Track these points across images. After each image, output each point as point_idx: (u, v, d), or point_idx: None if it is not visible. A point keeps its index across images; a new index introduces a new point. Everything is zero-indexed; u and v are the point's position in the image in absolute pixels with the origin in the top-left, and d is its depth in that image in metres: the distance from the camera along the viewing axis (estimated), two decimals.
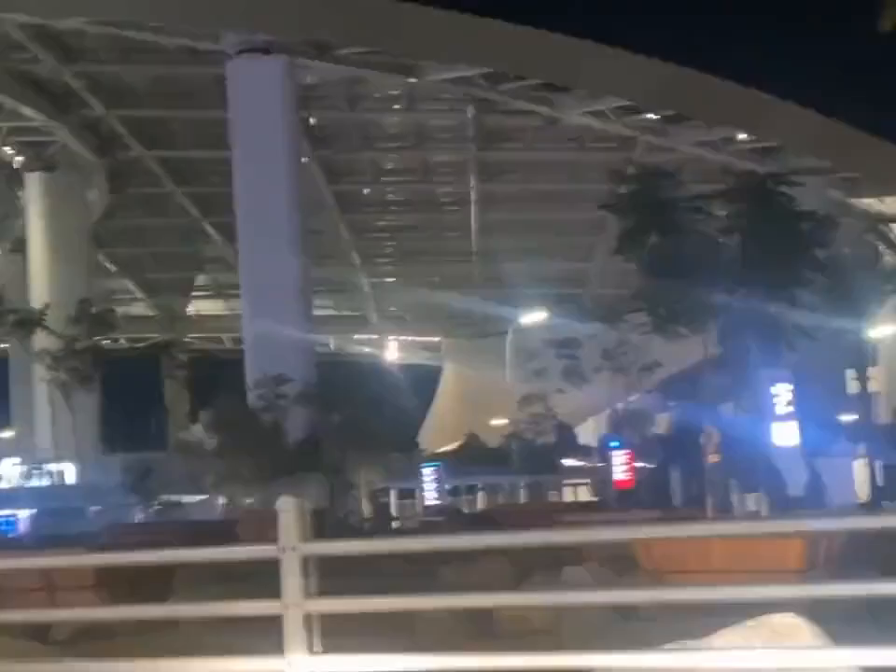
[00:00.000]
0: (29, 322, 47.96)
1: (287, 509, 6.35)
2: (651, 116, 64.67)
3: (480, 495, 60.76)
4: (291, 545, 6.23)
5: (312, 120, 68.50)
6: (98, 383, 34.86)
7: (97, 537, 29.65)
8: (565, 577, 16.22)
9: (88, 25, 54.58)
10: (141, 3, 53.08)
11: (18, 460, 53.90)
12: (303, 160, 65.32)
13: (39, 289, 67.90)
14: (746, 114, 60.63)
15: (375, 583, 7.47)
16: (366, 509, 46.81)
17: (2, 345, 73.50)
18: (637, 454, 49.89)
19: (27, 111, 62.83)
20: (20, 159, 69.54)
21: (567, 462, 59.29)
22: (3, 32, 55.66)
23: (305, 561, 6.24)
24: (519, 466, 57.21)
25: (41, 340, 51.25)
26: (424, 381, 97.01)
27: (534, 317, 72.15)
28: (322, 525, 33.70)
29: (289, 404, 41.81)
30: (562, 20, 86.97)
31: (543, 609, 11.40)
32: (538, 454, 57.00)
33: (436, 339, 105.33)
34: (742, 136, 64.79)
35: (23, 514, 49.50)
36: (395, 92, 66.56)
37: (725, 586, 6.37)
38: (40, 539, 32.65)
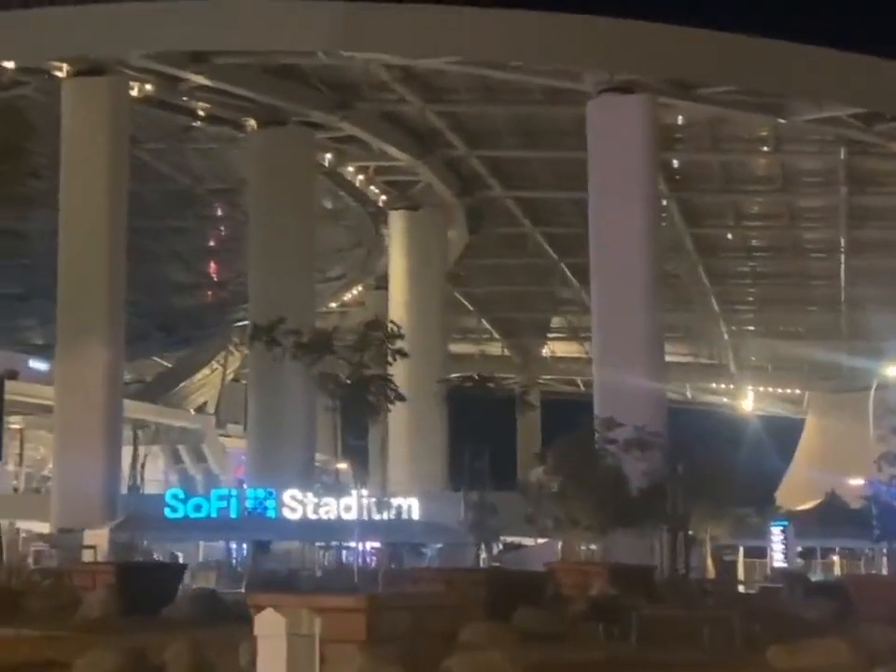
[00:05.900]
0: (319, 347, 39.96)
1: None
2: None
3: (836, 560, 57.08)
4: None
5: (674, 162, 66.95)
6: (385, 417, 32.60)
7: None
8: None
9: (450, 66, 55.12)
10: (503, 43, 53.12)
11: (366, 492, 54.63)
12: (663, 202, 63.88)
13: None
14: None
15: None
16: (710, 567, 44.62)
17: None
18: None
19: (392, 151, 64.23)
20: (384, 197, 71.33)
21: None
22: (370, 73, 57.04)
23: None
24: (881, 531, 53.29)
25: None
26: (783, 434, 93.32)
27: None
28: (653, 582, 32.01)
29: (619, 450, 40.32)
30: None
31: None
32: None
33: (798, 391, 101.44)
34: None
35: (371, 546, 50.39)
36: (762, 133, 64.06)
37: None
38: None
